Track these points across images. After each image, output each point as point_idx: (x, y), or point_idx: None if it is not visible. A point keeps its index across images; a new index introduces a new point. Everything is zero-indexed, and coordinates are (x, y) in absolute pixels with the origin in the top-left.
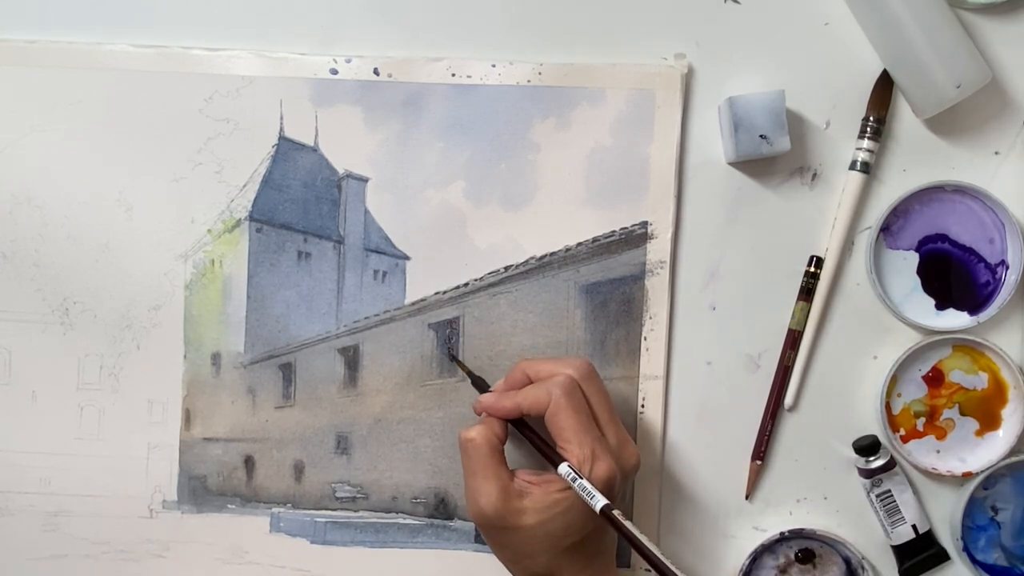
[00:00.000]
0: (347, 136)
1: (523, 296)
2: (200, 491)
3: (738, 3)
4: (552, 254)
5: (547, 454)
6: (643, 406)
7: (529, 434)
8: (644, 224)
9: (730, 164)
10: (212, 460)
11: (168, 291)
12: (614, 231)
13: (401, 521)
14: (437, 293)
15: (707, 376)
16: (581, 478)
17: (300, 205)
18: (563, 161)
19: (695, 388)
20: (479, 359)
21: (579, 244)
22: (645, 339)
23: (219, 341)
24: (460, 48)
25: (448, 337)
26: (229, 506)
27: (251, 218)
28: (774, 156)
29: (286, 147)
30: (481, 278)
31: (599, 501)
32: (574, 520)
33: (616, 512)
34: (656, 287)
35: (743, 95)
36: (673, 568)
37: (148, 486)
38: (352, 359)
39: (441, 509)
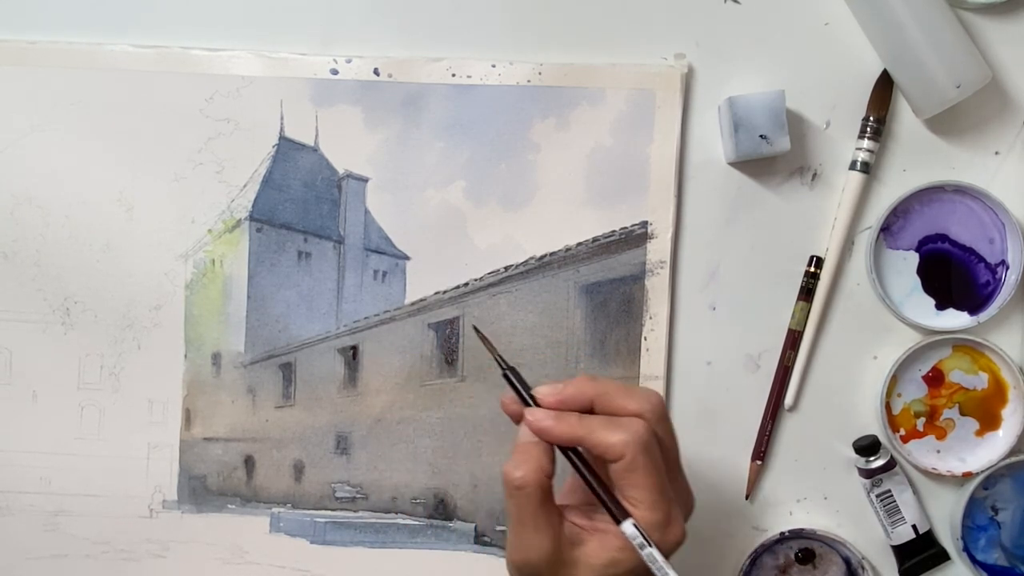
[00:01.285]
0: (347, 136)
1: (523, 296)
2: (200, 491)
3: (738, 3)
4: (552, 254)
5: (606, 502)
6: None
7: (581, 467)
8: (644, 224)
9: (730, 164)
10: (212, 460)
11: (169, 291)
12: (614, 231)
13: (401, 521)
14: (437, 293)
15: (707, 376)
16: (650, 546)
17: (300, 205)
18: (563, 161)
19: (695, 388)
20: (479, 359)
21: (579, 244)
22: (645, 339)
23: (219, 341)
24: (460, 48)
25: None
26: (229, 506)
27: (251, 218)
28: (774, 156)
29: (286, 147)
30: (481, 278)
31: None
32: None
33: None
34: (656, 287)
35: (743, 95)
36: None
37: (148, 486)
38: (352, 359)
39: (440, 510)
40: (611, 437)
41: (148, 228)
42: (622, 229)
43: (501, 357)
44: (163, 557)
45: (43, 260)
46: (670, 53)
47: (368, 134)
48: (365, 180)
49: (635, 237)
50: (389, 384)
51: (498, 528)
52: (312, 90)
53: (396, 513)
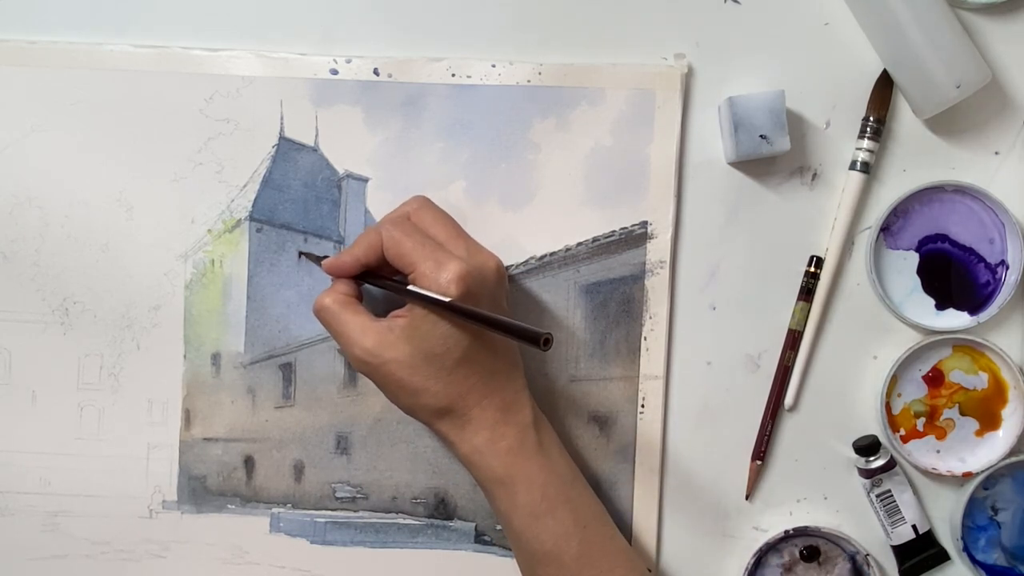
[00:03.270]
0: (347, 136)
1: (523, 296)
2: (200, 491)
3: (738, 3)
4: (552, 254)
5: (402, 289)
6: (643, 406)
7: (384, 281)
8: (644, 224)
9: (730, 164)
10: (212, 460)
11: (168, 291)
12: (614, 231)
13: (401, 521)
14: None
15: (707, 376)
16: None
17: (300, 205)
18: (563, 161)
19: (695, 388)
20: None
21: (579, 244)
22: (645, 339)
23: (219, 341)
24: (460, 48)
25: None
26: (229, 506)
27: (251, 218)
28: (774, 156)
29: (286, 147)
30: None
31: (445, 298)
32: (448, 331)
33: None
34: (656, 287)
35: (743, 95)
36: (525, 325)
37: (148, 486)
38: None
39: (441, 509)
40: (367, 236)
41: (148, 228)
42: (622, 229)
43: (316, 256)
44: (163, 557)
45: (42, 260)
46: (670, 53)
47: (368, 134)
48: (365, 180)
49: (635, 237)
50: None
51: (499, 528)
52: (312, 90)
53: (396, 513)
